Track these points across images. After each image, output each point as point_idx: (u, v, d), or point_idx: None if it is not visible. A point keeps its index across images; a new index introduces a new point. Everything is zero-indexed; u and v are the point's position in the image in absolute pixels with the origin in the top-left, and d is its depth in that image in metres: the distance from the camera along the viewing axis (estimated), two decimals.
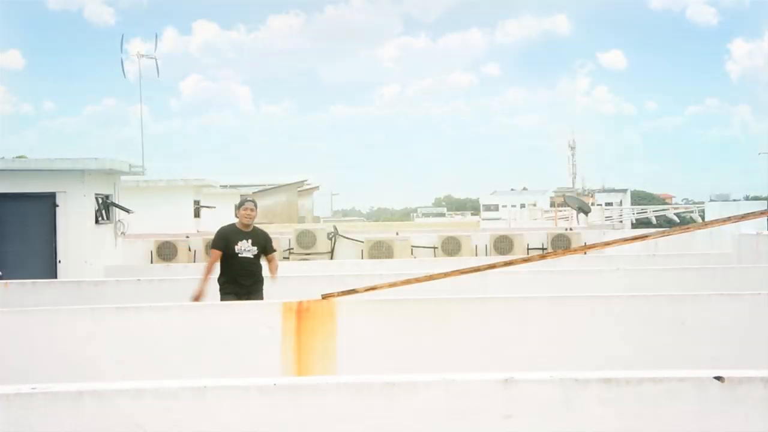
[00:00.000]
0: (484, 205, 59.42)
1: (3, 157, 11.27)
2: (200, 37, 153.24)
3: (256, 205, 7.24)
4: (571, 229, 16.04)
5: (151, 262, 13.37)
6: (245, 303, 6.31)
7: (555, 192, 58.75)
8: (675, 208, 32.69)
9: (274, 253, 7.42)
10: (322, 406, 2.93)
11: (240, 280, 7.06)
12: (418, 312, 5.43)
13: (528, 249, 14.16)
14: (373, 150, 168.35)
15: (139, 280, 8.18)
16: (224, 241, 7.09)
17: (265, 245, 7.24)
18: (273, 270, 7.30)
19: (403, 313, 5.41)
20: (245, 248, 7.07)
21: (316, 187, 36.93)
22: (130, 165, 12.25)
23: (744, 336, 5.34)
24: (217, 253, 7.09)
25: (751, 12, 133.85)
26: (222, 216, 21.73)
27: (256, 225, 7.30)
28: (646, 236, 5.36)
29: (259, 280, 7.19)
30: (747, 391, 2.89)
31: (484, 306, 5.56)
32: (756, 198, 48.54)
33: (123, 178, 13.27)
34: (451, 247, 13.95)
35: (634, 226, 27.08)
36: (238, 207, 7.24)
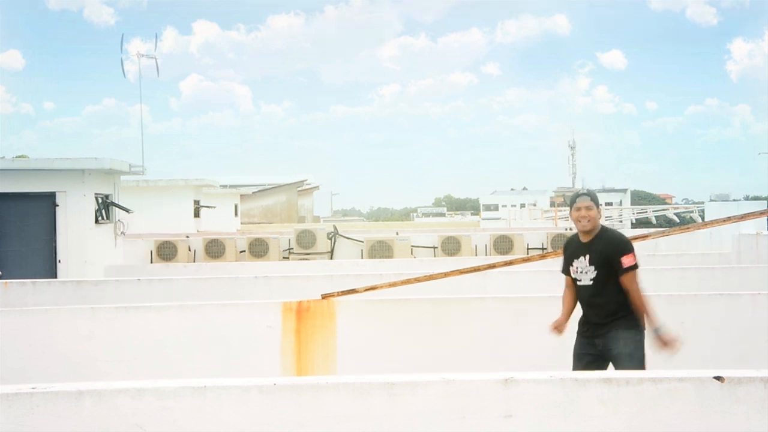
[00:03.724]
0: (484, 205, 59.52)
1: (3, 157, 11.27)
2: (200, 37, 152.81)
3: None
4: (571, 229, 16.02)
5: (151, 262, 13.35)
6: (245, 303, 6.31)
7: (555, 192, 58.80)
8: (675, 208, 32.73)
9: None
10: (322, 406, 2.93)
11: None
12: (418, 312, 5.43)
13: (528, 249, 14.14)
14: (373, 150, 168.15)
15: (139, 280, 8.17)
16: None
17: None
18: None
19: (403, 313, 5.41)
20: None
21: (316, 187, 36.87)
22: (130, 165, 12.24)
23: (744, 336, 5.34)
24: None
25: (751, 12, 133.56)
26: (222, 216, 21.76)
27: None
28: (646, 236, 5.36)
29: None
30: (747, 391, 2.89)
31: (484, 306, 5.56)
32: (756, 198, 48.51)
33: (123, 177, 13.27)
34: (451, 247, 13.93)
35: (634, 226, 27.11)
36: None
